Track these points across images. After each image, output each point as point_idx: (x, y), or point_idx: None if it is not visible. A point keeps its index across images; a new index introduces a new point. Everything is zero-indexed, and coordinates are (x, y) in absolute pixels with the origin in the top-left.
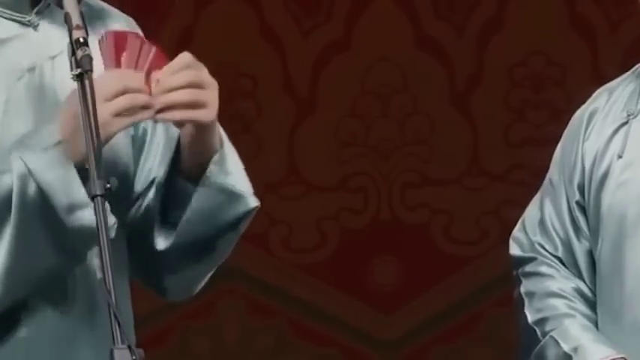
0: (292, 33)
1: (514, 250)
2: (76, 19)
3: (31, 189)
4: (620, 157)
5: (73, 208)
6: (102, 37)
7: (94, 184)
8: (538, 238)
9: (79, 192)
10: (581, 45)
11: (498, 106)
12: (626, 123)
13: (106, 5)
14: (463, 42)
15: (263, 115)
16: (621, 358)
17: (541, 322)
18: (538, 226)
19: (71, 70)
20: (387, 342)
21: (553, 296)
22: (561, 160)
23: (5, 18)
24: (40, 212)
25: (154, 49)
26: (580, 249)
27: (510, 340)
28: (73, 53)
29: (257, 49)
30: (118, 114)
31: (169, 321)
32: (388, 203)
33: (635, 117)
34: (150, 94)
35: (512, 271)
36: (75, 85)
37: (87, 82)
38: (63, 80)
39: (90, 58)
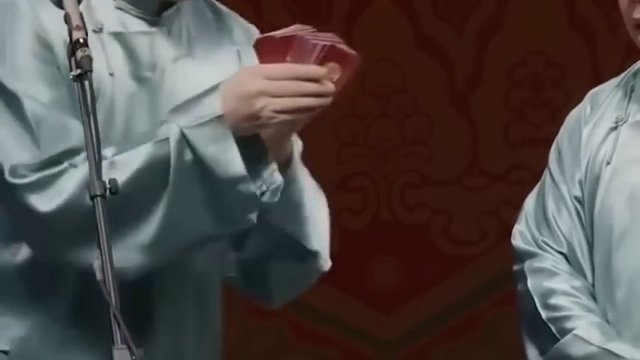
0: None
1: (518, 242)
2: (76, 20)
3: (189, 158)
4: (608, 163)
5: (233, 181)
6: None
7: (93, 184)
8: (542, 234)
9: (239, 166)
10: (581, 45)
11: (498, 106)
12: (615, 128)
13: (232, 13)
14: (463, 42)
15: None
16: None
17: (557, 320)
18: (542, 222)
19: (70, 70)
20: (387, 342)
21: (565, 294)
22: (560, 156)
23: (134, 16)
24: (200, 182)
25: (318, 46)
26: (584, 245)
27: (510, 340)
28: (73, 54)
29: None
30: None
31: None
32: (388, 203)
33: (624, 122)
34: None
35: (512, 268)
36: (237, 63)
37: (87, 83)
38: (182, 83)
39: (90, 59)
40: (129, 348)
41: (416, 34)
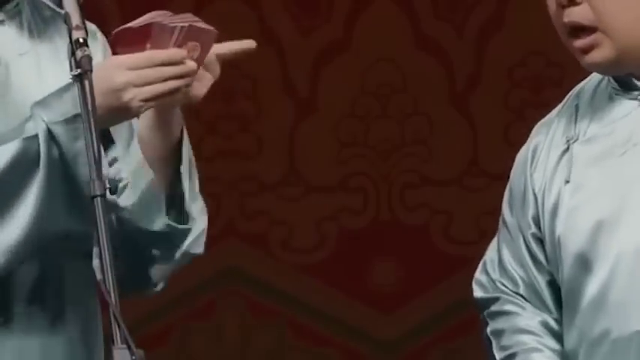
0: (292, 33)
1: (477, 293)
2: (75, 20)
3: (56, 155)
4: (567, 182)
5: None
6: (114, 34)
7: (93, 184)
8: (498, 277)
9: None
10: None
11: (498, 106)
12: (567, 149)
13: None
14: (463, 42)
15: (263, 115)
16: None
17: (509, 358)
18: (497, 266)
19: (71, 70)
20: (387, 342)
21: (520, 332)
22: (511, 198)
23: None
24: (64, 178)
25: (176, 29)
26: (542, 281)
27: None
28: (73, 53)
29: (257, 49)
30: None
31: (169, 321)
32: (388, 203)
33: (576, 140)
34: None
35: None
36: (96, 61)
37: (87, 83)
38: (29, 79)
39: (89, 59)
40: (129, 348)
41: (416, 34)
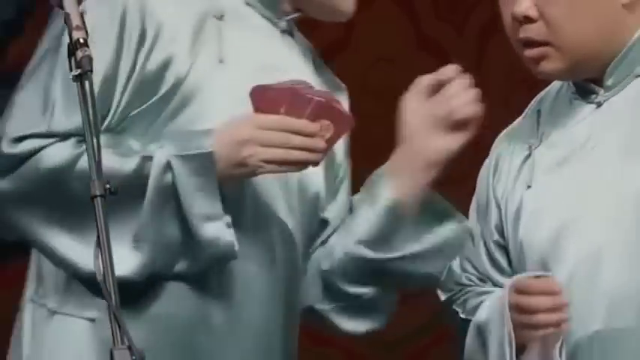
0: None
1: (442, 296)
2: (76, 20)
3: (167, 182)
4: (529, 186)
5: (207, 217)
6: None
7: (93, 185)
8: (464, 274)
9: (215, 204)
10: None
11: (498, 106)
12: (529, 155)
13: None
14: (463, 42)
15: None
16: (548, 275)
17: (475, 308)
18: (460, 269)
19: (70, 70)
20: (387, 342)
21: (485, 293)
22: (476, 208)
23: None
24: (172, 208)
25: (313, 101)
26: (504, 282)
27: None
28: (73, 54)
29: None
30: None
31: None
32: None
33: (538, 146)
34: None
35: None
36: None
37: (87, 83)
38: None
39: (90, 59)
40: (129, 348)
41: (416, 34)
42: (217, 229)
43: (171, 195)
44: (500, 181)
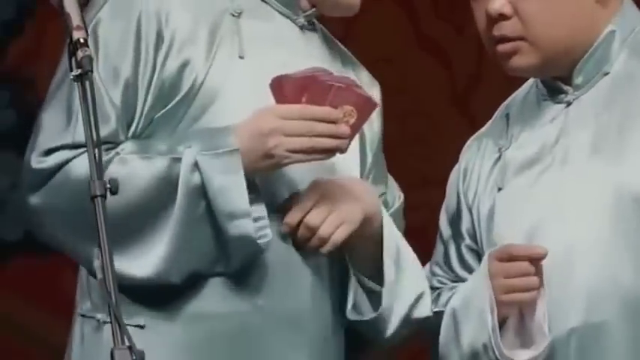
0: None
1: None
2: (76, 20)
3: (196, 182)
4: (500, 188)
5: (233, 216)
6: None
7: (94, 185)
8: (436, 279)
9: (243, 201)
10: None
11: (498, 106)
12: (499, 157)
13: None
14: (463, 42)
15: None
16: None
17: (449, 300)
18: (430, 274)
19: (71, 70)
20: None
21: (454, 288)
22: (446, 215)
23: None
24: (203, 209)
25: (334, 87)
26: None
27: None
28: (74, 54)
29: None
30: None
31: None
32: None
33: (507, 147)
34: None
35: None
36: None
37: (87, 83)
38: None
39: (90, 59)
40: (129, 348)
41: (416, 34)
42: (243, 226)
43: (201, 195)
44: (471, 187)
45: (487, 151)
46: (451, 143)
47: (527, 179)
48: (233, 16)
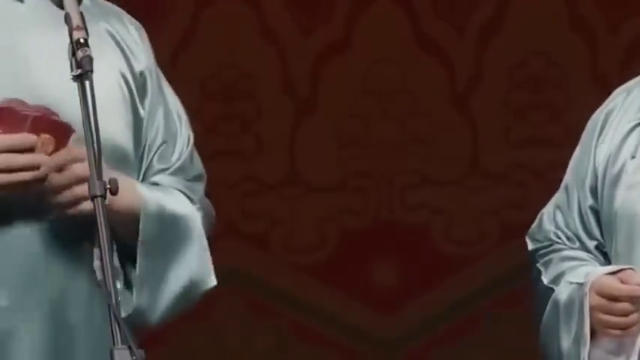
0: (292, 33)
1: (530, 245)
2: (76, 20)
3: None
4: (633, 157)
5: None
6: None
7: (94, 185)
8: (554, 228)
9: None
10: (581, 45)
11: (498, 106)
12: (639, 124)
13: (115, 7)
14: (463, 42)
15: (263, 115)
16: (629, 268)
17: (557, 278)
18: (553, 222)
19: (71, 70)
20: (387, 342)
21: (569, 259)
22: (575, 164)
23: None
24: None
25: (30, 117)
26: (591, 245)
27: (510, 341)
28: (74, 54)
29: (257, 49)
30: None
31: (169, 321)
32: (388, 203)
33: None
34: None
35: (512, 269)
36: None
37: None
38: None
39: (90, 59)
40: (129, 348)
41: (416, 34)
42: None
43: None
44: (606, 141)
45: (631, 109)
46: (451, 143)
47: None
48: None
